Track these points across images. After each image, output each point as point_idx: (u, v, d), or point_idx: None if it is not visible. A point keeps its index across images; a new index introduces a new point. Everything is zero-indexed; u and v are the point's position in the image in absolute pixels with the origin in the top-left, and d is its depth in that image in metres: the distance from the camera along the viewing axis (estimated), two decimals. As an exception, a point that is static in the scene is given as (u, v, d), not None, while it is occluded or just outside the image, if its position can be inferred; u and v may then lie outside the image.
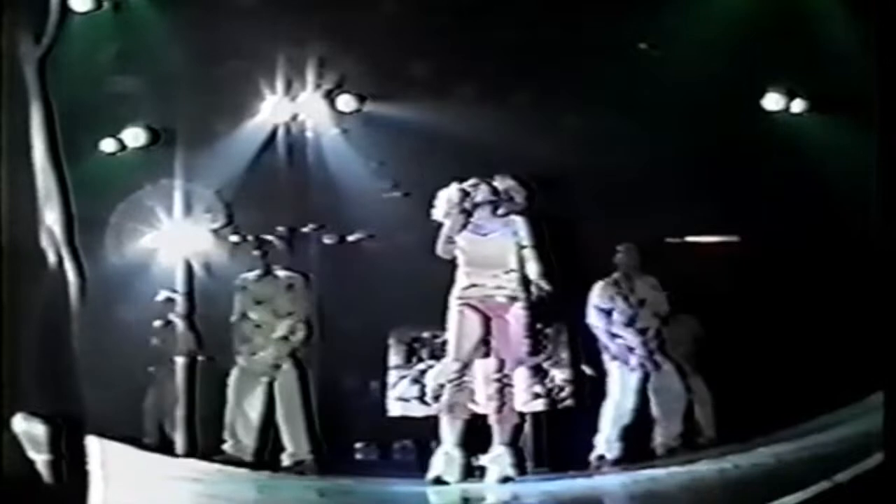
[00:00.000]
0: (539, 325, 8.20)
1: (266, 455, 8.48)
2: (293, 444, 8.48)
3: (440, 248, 8.15)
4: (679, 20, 8.40)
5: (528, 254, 8.09)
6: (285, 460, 8.48)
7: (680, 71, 8.34)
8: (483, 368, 8.05)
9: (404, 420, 8.37)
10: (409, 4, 8.69)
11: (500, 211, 8.20)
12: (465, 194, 8.19)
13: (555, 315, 8.44)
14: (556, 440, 8.35)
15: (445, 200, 8.22)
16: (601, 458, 8.19)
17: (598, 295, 8.42)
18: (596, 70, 8.54)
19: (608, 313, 8.38)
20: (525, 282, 8.05)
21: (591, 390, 8.39)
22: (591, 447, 8.25)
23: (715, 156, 8.39)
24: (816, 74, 8.53)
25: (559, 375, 8.44)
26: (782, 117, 8.78)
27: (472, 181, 8.26)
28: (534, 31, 8.61)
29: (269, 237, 8.78)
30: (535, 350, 8.26)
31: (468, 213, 8.15)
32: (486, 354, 8.05)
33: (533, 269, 8.06)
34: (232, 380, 8.64)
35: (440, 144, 8.49)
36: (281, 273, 8.78)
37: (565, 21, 8.50)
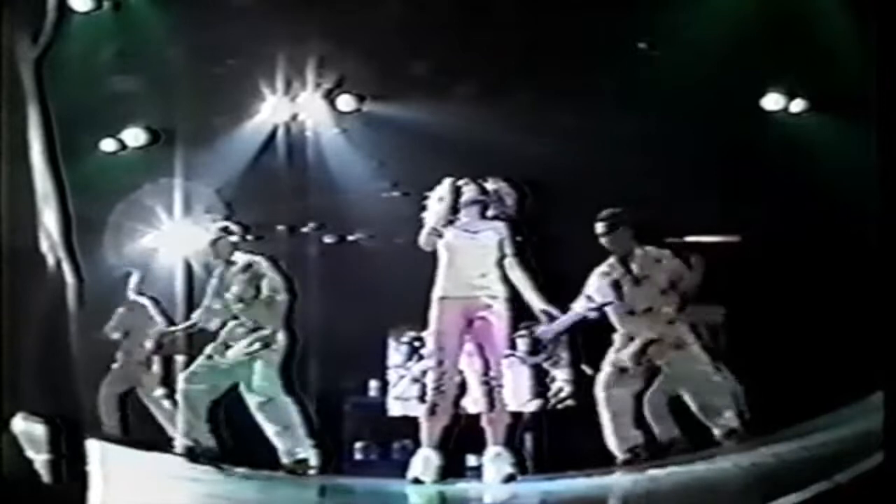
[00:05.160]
0: (524, 323, 8.17)
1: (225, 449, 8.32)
2: (290, 443, 8.30)
3: (423, 239, 8.02)
4: (679, 20, 8.40)
5: (511, 262, 8.01)
6: (283, 459, 8.35)
7: (680, 71, 8.34)
8: (469, 370, 8.04)
9: (404, 420, 8.37)
10: (409, 4, 8.69)
11: (490, 213, 8.15)
12: (458, 189, 8.13)
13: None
14: (556, 440, 8.35)
15: (436, 195, 8.16)
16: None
17: (595, 288, 8.14)
18: (596, 70, 8.54)
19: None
20: (507, 281, 7.98)
21: (591, 390, 8.38)
22: (590, 447, 8.24)
23: (715, 156, 8.39)
24: (816, 74, 8.53)
25: (559, 375, 8.45)
26: (782, 117, 8.78)
27: (463, 180, 8.22)
28: (534, 30, 8.60)
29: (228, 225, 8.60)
30: (533, 350, 8.28)
31: (457, 209, 8.09)
32: (471, 355, 8.03)
33: (517, 278, 7.97)
34: (185, 379, 8.39)
35: (440, 144, 8.48)
36: (241, 257, 8.54)
37: (565, 21, 8.49)
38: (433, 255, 8.14)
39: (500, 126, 8.42)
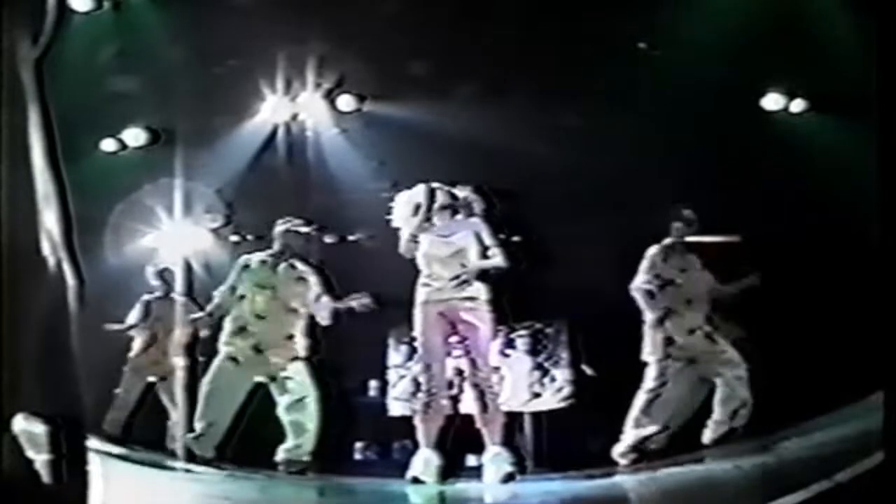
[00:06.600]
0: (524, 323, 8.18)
1: (228, 452, 8.31)
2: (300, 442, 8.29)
3: (403, 247, 8.08)
4: (679, 20, 8.40)
5: (493, 252, 8.04)
6: (280, 455, 8.31)
7: (679, 71, 8.35)
8: (457, 371, 8.05)
9: (404, 420, 8.37)
10: (409, 4, 8.69)
11: (459, 217, 8.17)
12: (433, 193, 8.13)
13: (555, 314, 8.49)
14: (556, 440, 8.35)
15: (407, 202, 8.18)
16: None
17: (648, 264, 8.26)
18: (595, 70, 8.54)
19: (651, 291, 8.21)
20: (488, 280, 7.99)
21: (590, 390, 8.39)
22: (590, 447, 8.25)
23: (715, 156, 8.39)
24: (816, 74, 8.53)
25: (559, 375, 8.45)
26: (782, 117, 8.79)
27: (437, 185, 8.23)
28: (534, 30, 8.61)
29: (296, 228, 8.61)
30: (533, 349, 8.30)
31: (431, 215, 8.11)
32: (458, 357, 8.04)
33: (499, 260, 8.00)
34: (215, 367, 8.39)
35: (440, 144, 8.49)
36: (297, 263, 8.55)
37: (565, 21, 8.50)
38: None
39: (500, 126, 8.43)
